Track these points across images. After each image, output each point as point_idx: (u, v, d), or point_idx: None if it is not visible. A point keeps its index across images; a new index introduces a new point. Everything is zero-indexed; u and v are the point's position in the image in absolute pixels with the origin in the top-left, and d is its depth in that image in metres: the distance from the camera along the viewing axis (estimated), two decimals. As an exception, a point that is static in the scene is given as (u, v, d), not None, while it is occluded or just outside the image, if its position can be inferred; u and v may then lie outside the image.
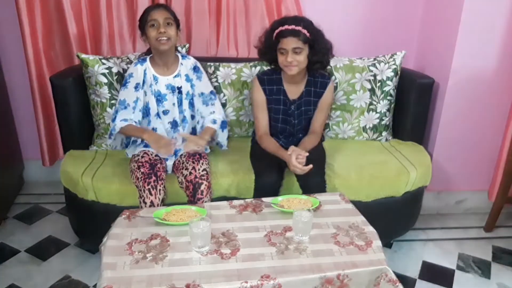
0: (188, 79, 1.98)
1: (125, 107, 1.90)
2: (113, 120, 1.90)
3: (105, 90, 2.08)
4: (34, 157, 2.66)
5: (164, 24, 1.83)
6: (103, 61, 2.09)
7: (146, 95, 1.93)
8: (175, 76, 1.96)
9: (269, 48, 1.93)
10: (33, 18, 2.30)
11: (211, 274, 1.26)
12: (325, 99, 2.01)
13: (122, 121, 1.88)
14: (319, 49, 1.88)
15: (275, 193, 1.83)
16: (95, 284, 1.36)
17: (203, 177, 1.81)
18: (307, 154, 1.80)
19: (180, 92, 1.97)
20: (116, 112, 1.91)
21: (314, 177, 1.87)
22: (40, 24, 2.33)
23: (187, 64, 1.99)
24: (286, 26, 1.82)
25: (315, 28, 1.88)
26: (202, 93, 2.01)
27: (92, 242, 1.97)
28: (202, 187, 1.79)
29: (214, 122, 1.98)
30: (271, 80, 1.99)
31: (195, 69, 2.01)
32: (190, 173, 1.81)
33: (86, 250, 2.15)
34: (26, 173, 2.76)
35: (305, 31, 1.82)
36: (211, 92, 2.04)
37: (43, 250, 2.14)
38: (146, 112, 1.96)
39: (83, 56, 2.07)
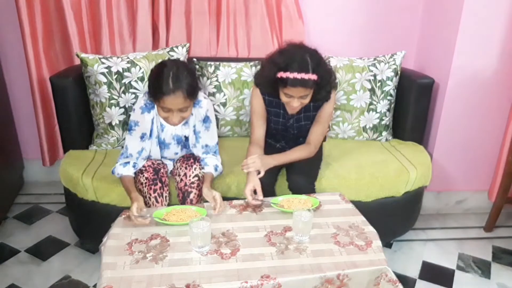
0: (195, 131, 1.83)
1: (127, 156, 1.76)
2: (118, 161, 1.78)
3: (104, 90, 2.08)
4: (34, 157, 2.66)
5: (178, 112, 1.63)
6: (103, 60, 2.08)
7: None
8: (183, 124, 1.81)
9: (270, 83, 1.75)
10: (33, 18, 2.30)
11: (211, 274, 1.26)
12: (324, 110, 1.88)
13: (122, 166, 1.75)
14: (324, 86, 1.74)
15: (269, 194, 1.81)
16: (95, 284, 1.36)
17: (193, 185, 1.75)
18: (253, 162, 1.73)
19: (186, 139, 1.87)
20: (121, 155, 1.78)
21: (302, 179, 1.84)
22: (40, 24, 2.33)
23: (198, 114, 1.78)
24: (295, 75, 1.62)
25: (321, 64, 1.70)
26: (207, 145, 1.86)
27: (92, 242, 1.98)
28: (191, 195, 1.73)
29: (216, 169, 1.85)
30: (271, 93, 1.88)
31: (205, 119, 1.81)
32: (181, 179, 1.77)
33: (86, 250, 2.15)
34: (26, 173, 2.76)
35: (313, 77, 1.64)
36: (216, 144, 1.89)
37: (43, 250, 2.14)
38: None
39: (83, 55, 2.07)
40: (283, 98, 1.75)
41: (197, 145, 1.85)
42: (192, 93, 1.62)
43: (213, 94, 2.25)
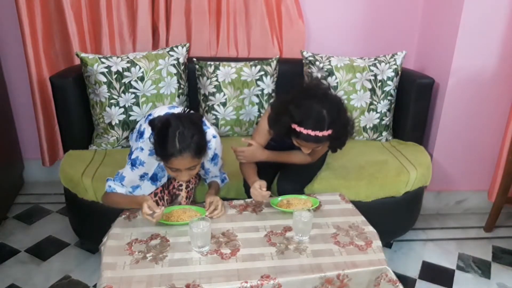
0: (204, 167, 1.76)
1: (122, 185, 1.63)
2: (114, 180, 1.64)
3: (104, 89, 2.08)
4: (34, 157, 2.66)
5: (187, 170, 1.52)
6: (103, 60, 2.08)
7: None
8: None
9: (283, 130, 1.66)
10: (33, 18, 2.30)
11: (211, 274, 1.27)
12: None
13: (119, 186, 1.63)
14: (339, 138, 1.66)
15: None
16: (95, 284, 1.36)
17: (180, 187, 1.71)
18: (250, 145, 1.75)
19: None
20: (116, 179, 1.64)
21: (289, 185, 1.82)
22: (40, 24, 2.33)
23: (206, 155, 1.66)
24: (309, 131, 1.55)
25: (339, 117, 1.60)
26: (216, 176, 1.83)
27: (92, 242, 1.97)
28: (179, 198, 1.70)
29: (223, 180, 1.84)
30: None
31: (214, 157, 1.73)
32: (171, 182, 1.73)
33: (86, 250, 2.15)
34: (26, 173, 2.75)
35: (329, 133, 1.57)
36: (220, 170, 1.84)
37: (43, 250, 2.14)
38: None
39: (83, 55, 2.07)
40: (296, 144, 1.69)
41: (207, 176, 1.83)
42: (200, 151, 1.51)
43: (213, 94, 2.25)
